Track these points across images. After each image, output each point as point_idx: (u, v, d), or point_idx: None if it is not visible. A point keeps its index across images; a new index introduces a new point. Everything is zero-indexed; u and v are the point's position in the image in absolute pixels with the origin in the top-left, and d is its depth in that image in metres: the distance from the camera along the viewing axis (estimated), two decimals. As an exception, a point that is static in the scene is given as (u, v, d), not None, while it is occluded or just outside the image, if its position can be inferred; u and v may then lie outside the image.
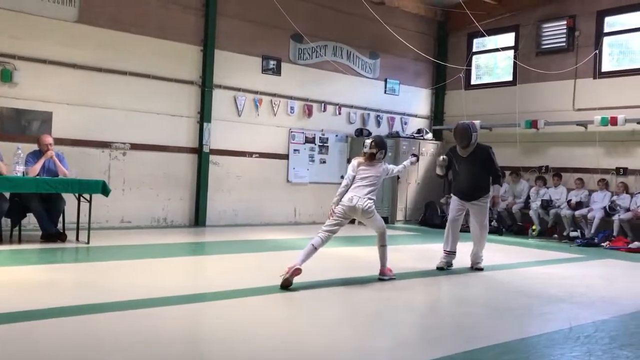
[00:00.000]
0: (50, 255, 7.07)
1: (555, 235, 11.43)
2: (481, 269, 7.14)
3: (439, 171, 7.36)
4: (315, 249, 5.74)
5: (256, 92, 11.59)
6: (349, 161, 13.27)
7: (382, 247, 6.20)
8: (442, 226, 12.49)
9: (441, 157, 7.31)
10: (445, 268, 7.04)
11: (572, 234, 10.97)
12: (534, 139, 12.66)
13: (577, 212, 11.11)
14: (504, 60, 13.86)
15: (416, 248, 9.02)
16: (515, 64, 13.02)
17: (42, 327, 4.03)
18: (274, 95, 11.85)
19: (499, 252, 9.39)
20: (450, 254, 7.15)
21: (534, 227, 11.72)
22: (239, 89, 11.37)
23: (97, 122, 9.74)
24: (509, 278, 6.87)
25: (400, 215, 13.36)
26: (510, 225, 12.29)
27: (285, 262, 7.02)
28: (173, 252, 7.87)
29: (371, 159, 6.09)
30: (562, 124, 12.04)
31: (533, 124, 12.34)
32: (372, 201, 5.98)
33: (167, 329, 4.19)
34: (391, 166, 6.39)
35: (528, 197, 12.18)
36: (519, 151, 12.69)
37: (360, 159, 6.15)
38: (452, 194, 7.33)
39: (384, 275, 6.20)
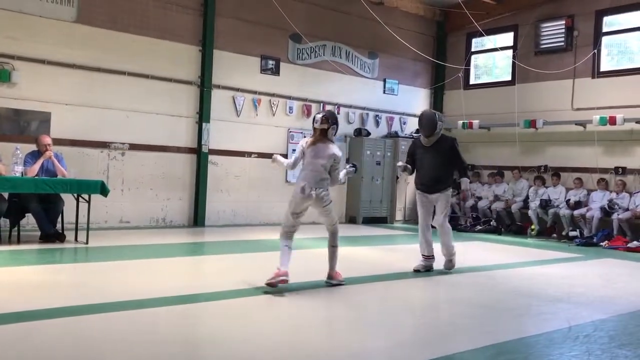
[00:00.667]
0: (49, 256, 7.06)
1: (554, 235, 11.43)
2: (450, 269, 6.91)
3: (400, 174, 7.11)
4: (290, 248, 5.54)
5: (255, 92, 11.59)
6: (347, 161, 13.26)
7: (333, 247, 5.79)
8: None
9: (399, 163, 7.10)
10: (422, 271, 6.80)
11: (571, 233, 10.98)
12: (533, 138, 12.66)
13: (576, 212, 11.11)
14: (502, 60, 13.86)
15: (415, 248, 8.95)
16: (514, 63, 13.03)
17: (41, 328, 4.03)
18: (272, 95, 11.85)
19: (498, 251, 9.40)
20: (429, 258, 6.90)
21: (532, 226, 11.73)
22: (237, 89, 11.37)
23: (96, 123, 9.74)
24: (508, 278, 6.87)
25: (399, 215, 13.37)
26: (509, 224, 12.30)
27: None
28: (172, 253, 7.87)
29: (323, 135, 5.62)
30: (560, 124, 12.05)
31: (532, 123, 12.35)
32: (326, 191, 5.58)
33: (166, 329, 4.19)
34: (340, 169, 5.82)
35: (527, 196, 12.18)
36: (517, 151, 12.70)
37: (310, 139, 5.68)
38: (416, 190, 7.05)
39: (332, 280, 5.76)
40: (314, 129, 5.69)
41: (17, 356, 3.45)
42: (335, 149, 5.64)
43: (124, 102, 10.00)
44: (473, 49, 14.15)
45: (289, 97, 12.11)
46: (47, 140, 8.01)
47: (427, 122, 6.83)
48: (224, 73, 11.11)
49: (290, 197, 5.58)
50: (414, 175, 7.09)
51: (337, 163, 5.64)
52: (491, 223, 12.16)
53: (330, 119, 5.64)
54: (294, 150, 12.18)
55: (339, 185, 7.29)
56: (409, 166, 7.00)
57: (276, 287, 5.30)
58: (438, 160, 6.76)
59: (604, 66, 11.99)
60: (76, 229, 8.03)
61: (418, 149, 6.98)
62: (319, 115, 5.70)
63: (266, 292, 5.30)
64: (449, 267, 6.97)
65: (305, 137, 7.41)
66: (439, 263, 6.98)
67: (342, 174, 5.83)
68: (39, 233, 7.80)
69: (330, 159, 5.56)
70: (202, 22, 10.82)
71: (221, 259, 7.58)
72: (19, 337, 3.80)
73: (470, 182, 13.22)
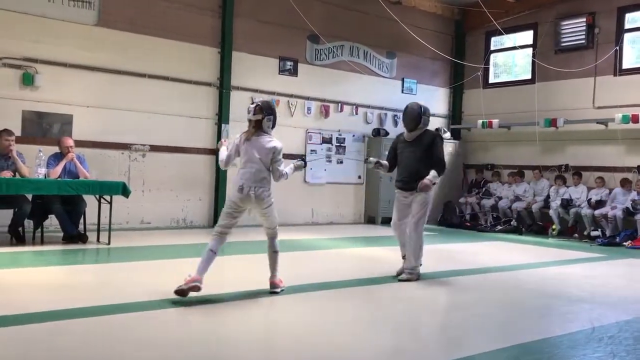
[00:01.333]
0: (72, 256, 7.15)
1: (576, 235, 11.31)
2: (406, 280, 6.15)
3: (369, 166, 6.53)
4: (214, 253, 5.05)
5: (273, 93, 11.62)
6: (366, 161, 13.26)
7: (274, 253, 5.33)
8: (460, 226, 12.56)
9: (370, 159, 6.59)
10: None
11: (593, 233, 10.84)
12: (554, 137, 12.53)
13: (598, 212, 10.98)
14: (522, 59, 13.74)
15: (435, 248, 8.94)
16: (534, 62, 12.91)
17: (64, 328, 4.08)
18: (290, 96, 11.88)
19: (519, 251, 9.32)
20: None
21: (553, 226, 11.61)
22: (256, 90, 11.41)
23: (117, 124, 9.84)
24: (529, 278, 6.81)
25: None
26: (530, 224, 12.18)
27: (302, 263, 7.04)
28: (193, 253, 7.86)
29: (257, 128, 5.14)
30: (582, 122, 11.90)
31: (552, 122, 12.22)
32: (267, 191, 5.13)
33: (188, 330, 4.22)
34: (281, 164, 5.26)
35: (548, 196, 12.06)
36: (538, 150, 12.58)
37: (245, 134, 5.22)
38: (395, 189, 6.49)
39: (275, 287, 5.31)
40: (248, 120, 5.19)
41: (42, 356, 3.50)
42: (273, 141, 5.16)
43: (144, 104, 10.09)
44: (492, 48, 14.05)
45: (307, 98, 12.13)
46: (69, 142, 8.12)
47: (410, 115, 6.33)
48: (243, 74, 11.16)
49: (227, 198, 5.18)
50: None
51: (278, 156, 5.15)
52: (512, 223, 12.07)
53: (265, 109, 5.13)
54: (312, 151, 12.31)
55: (294, 182, 6.82)
56: (383, 162, 6.49)
57: (186, 296, 4.81)
58: (417, 154, 6.25)
59: (627, 63, 11.82)
60: (98, 230, 8.12)
61: (400, 143, 6.51)
62: (252, 105, 5.19)
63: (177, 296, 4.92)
64: (408, 278, 6.20)
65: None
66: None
67: (288, 169, 5.33)
68: (62, 234, 7.91)
69: (269, 153, 5.10)
70: (221, 24, 10.88)
71: (241, 259, 7.61)
72: (43, 337, 3.85)
73: (490, 182, 13.24)
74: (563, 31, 12.53)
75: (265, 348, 3.82)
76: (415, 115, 6.30)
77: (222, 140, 5.54)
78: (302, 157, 5.70)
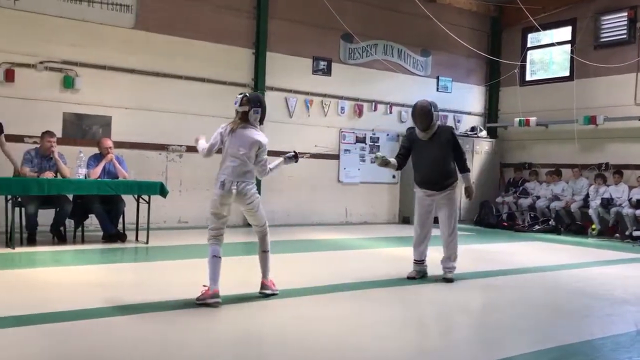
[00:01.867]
0: (111, 255, 7.29)
1: (617, 235, 11.02)
2: (450, 280, 6.10)
3: (376, 163, 6.17)
4: (219, 258, 4.88)
5: (307, 93, 11.65)
6: (375, 157, 13.13)
7: (264, 252, 5.10)
8: (497, 226, 12.37)
9: (378, 154, 6.13)
10: (417, 277, 6.21)
11: (635, 233, 10.55)
12: (593, 135, 12.24)
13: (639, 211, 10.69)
14: (560, 55, 13.47)
15: (472, 248, 8.85)
16: (572, 58, 12.64)
17: (103, 325, 4.16)
18: (324, 95, 11.89)
19: (558, 252, 9.15)
20: (420, 263, 6.28)
21: (593, 226, 11.35)
22: (290, 91, 11.46)
23: (154, 126, 10.00)
24: (569, 279, 6.67)
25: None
26: (569, 224, 11.94)
27: (335, 262, 7.03)
28: (228, 252, 7.94)
29: (243, 120, 4.93)
30: (622, 120, 11.61)
31: (592, 119, 11.95)
32: (251, 184, 4.90)
33: (224, 328, 4.26)
34: (265, 158, 4.98)
35: (587, 195, 11.80)
36: (577, 148, 12.31)
37: (230, 125, 4.97)
38: (415, 188, 6.34)
39: (266, 289, 5.07)
40: (235, 111, 4.99)
41: (81, 352, 3.58)
42: (258, 135, 4.93)
43: (180, 105, 10.23)
44: (529, 45, 13.81)
45: (341, 97, 12.12)
46: (109, 143, 8.28)
47: (421, 113, 6.05)
48: (277, 75, 11.21)
49: (212, 197, 4.91)
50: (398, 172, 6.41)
51: (263, 152, 4.93)
52: (550, 223, 11.85)
53: (253, 101, 4.92)
54: (346, 150, 12.30)
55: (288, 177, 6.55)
56: (391, 160, 6.17)
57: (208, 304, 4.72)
58: (440, 153, 6.08)
59: (670, 58, 11.50)
60: (137, 229, 8.26)
61: (415, 143, 6.22)
62: (239, 96, 4.99)
63: (265, 296, 5.09)
64: (452, 277, 6.19)
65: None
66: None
67: (274, 164, 5.11)
68: (101, 233, 8.07)
69: (253, 146, 4.86)
70: (255, 24, 10.96)
71: (275, 258, 7.63)
72: (82, 334, 3.94)
73: (528, 181, 13.02)
74: (603, 26, 12.25)
75: (295, 347, 3.82)
76: (427, 113, 6.05)
77: (199, 136, 5.26)
78: (294, 150, 5.43)
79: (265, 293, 5.07)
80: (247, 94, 5.05)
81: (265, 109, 5.06)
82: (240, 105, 4.93)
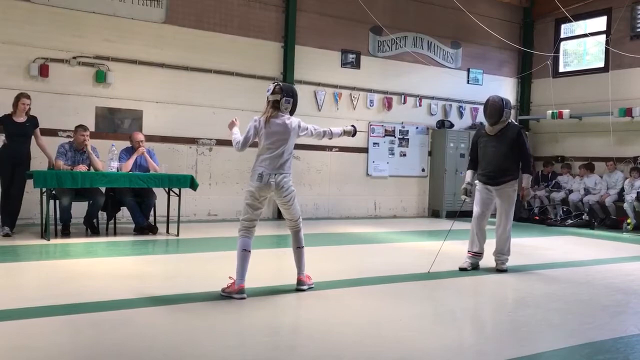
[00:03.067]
0: (143, 247, 7.40)
1: (653, 230, 10.78)
2: (504, 271, 6.33)
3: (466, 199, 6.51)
4: (249, 252, 4.87)
5: (336, 87, 11.63)
6: (430, 154, 13.14)
7: (299, 249, 5.09)
8: (527, 220, 12.20)
9: (462, 196, 6.43)
10: (469, 269, 6.34)
11: (672, 228, 10.30)
12: (629, 127, 11.97)
13: (678, 205, 10.42)
14: (594, 46, 13.18)
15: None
16: (607, 49, 12.35)
17: (134, 315, 4.23)
18: (353, 89, 11.85)
19: (592, 246, 8.98)
20: (476, 255, 6.41)
21: (628, 220, 11.09)
22: (318, 84, 11.45)
23: (184, 119, 10.11)
24: (603, 274, 6.54)
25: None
26: (603, 218, 11.70)
27: (364, 256, 7.02)
28: (258, 245, 8.00)
29: (275, 108, 4.88)
30: (660, 112, 11.33)
31: (627, 112, 11.68)
32: (289, 176, 4.88)
33: (255, 319, 4.28)
34: (310, 125, 5.05)
35: (622, 189, 11.54)
36: (612, 141, 12.04)
37: (263, 116, 4.91)
38: (476, 181, 6.48)
39: (303, 284, 5.07)
40: (267, 100, 4.95)
41: (113, 342, 3.64)
42: (290, 120, 4.90)
43: (210, 99, 10.32)
44: (562, 35, 13.53)
45: (370, 91, 12.07)
46: (140, 137, 8.39)
47: (492, 108, 6.29)
48: (306, 68, 11.21)
49: (248, 187, 4.92)
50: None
51: (303, 128, 4.96)
52: (583, 217, 11.63)
53: (285, 90, 4.90)
54: (375, 143, 12.24)
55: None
56: (473, 184, 6.44)
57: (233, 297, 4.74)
58: (502, 149, 6.25)
59: None
60: (167, 222, 8.37)
61: (481, 137, 6.49)
62: (272, 85, 4.97)
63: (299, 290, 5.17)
64: (505, 268, 6.39)
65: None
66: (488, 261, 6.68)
67: (336, 130, 5.22)
68: (133, 225, 8.20)
69: (293, 134, 4.88)
70: (284, 18, 10.98)
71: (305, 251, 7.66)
72: (115, 324, 4.00)
73: (560, 175, 12.78)
74: None
75: (325, 339, 3.83)
76: (498, 108, 6.26)
77: (234, 119, 5.21)
78: (353, 125, 5.46)
79: (302, 288, 5.08)
80: (280, 83, 5.05)
81: (297, 100, 5.04)
82: (273, 93, 4.91)
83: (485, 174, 6.39)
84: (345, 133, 5.32)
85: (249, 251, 4.87)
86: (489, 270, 6.39)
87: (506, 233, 6.41)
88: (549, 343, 3.95)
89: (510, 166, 6.29)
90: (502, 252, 6.43)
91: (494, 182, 6.31)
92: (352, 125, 5.41)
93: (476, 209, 6.47)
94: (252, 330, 3.99)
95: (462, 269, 6.34)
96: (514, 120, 6.63)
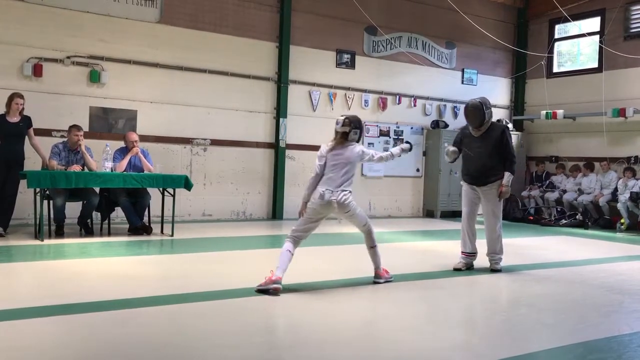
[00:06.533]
0: (137, 248, 7.38)
1: (647, 229, 10.83)
2: (498, 270, 6.34)
3: (448, 159, 6.58)
4: (292, 254, 5.10)
5: (330, 87, 11.63)
6: (424, 154, 13.16)
7: (372, 248, 5.46)
8: (521, 220, 12.23)
9: (450, 148, 6.47)
10: (463, 269, 6.35)
11: (665, 227, 10.35)
12: (622, 128, 12.02)
13: (671, 205, 10.47)
14: (588, 46, 13.23)
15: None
16: (601, 49, 12.40)
17: (128, 316, 4.22)
18: (348, 89, 11.86)
19: (585, 246, 9.01)
20: (470, 255, 6.43)
21: (622, 220, 11.14)
22: (313, 84, 11.45)
23: (179, 119, 10.09)
24: (596, 274, 6.57)
25: (479, 209, 13.06)
26: (597, 218, 11.75)
27: (359, 256, 7.04)
28: (253, 245, 8.05)
29: (343, 139, 5.21)
30: (653, 112, 11.38)
31: (621, 112, 11.72)
32: (348, 193, 5.17)
33: (250, 319, 4.28)
34: (371, 150, 5.47)
35: (616, 189, 11.59)
36: (606, 141, 12.09)
37: (330, 143, 5.25)
38: (462, 181, 6.56)
39: (380, 278, 5.49)
40: (335, 131, 5.28)
41: (107, 342, 3.63)
42: (357, 146, 5.27)
43: (204, 99, 10.30)
44: (556, 36, 13.58)
45: (364, 91, 12.08)
46: (134, 137, 8.37)
47: (473, 113, 6.25)
48: (300, 68, 11.21)
49: (309, 204, 5.19)
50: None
51: (365, 153, 5.29)
52: (577, 217, 11.67)
53: (353, 122, 5.22)
54: (370, 144, 12.24)
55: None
56: (454, 149, 6.45)
57: (270, 293, 4.88)
58: (487, 149, 6.23)
59: (702, 49, 11.21)
60: (162, 222, 8.36)
61: (466, 137, 6.45)
62: (341, 118, 5.29)
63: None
64: (500, 267, 6.39)
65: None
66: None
67: (396, 149, 5.55)
68: (127, 226, 8.18)
69: (355, 159, 5.22)
70: (279, 18, 10.97)
71: (299, 251, 7.66)
72: (109, 324, 3.99)
73: (554, 175, 12.83)
74: (633, 16, 12.01)
75: (322, 339, 3.83)
76: (479, 112, 6.23)
77: (302, 211, 5.30)
78: (407, 141, 5.81)
79: (379, 282, 5.48)
80: (348, 117, 5.30)
81: (363, 131, 5.39)
82: (342, 126, 5.21)
83: (470, 175, 6.41)
84: (403, 151, 5.61)
85: (292, 253, 5.13)
86: (483, 271, 6.41)
87: (496, 232, 6.39)
88: (543, 343, 3.96)
89: (495, 166, 6.26)
90: (494, 252, 6.43)
91: (480, 182, 6.31)
92: (407, 142, 5.69)
93: (465, 210, 6.50)
94: (248, 331, 3.98)
95: (456, 269, 6.35)
96: (495, 120, 6.62)
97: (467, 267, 6.43)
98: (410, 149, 5.72)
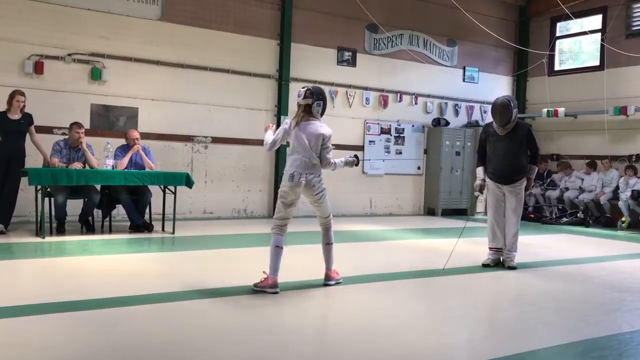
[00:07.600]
0: (138, 245, 7.39)
1: (648, 228, 10.82)
2: (514, 268, 6.40)
3: (477, 194, 6.67)
4: (281, 248, 5.04)
5: (331, 84, 11.62)
6: (425, 152, 13.16)
7: (328, 245, 5.27)
8: (524, 218, 12.13)
9: (478, 182, 6.59)
10: (492, 265, 6.49)
11: (667, 226, 10.34)
12: (623, 126, 12.00)
13: (672, 203, 10.46)
14: (589, 44, 13.21)
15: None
16: (602, 47, 12.38)
17: (130, 313, 4.23)
18: (349, 86, 11.85)
19: (586, 244, 9.01)
20: (498, 251, 6.56)
21: (623, 218, 11.14)
22: (314, 82, 11.40)
23: (180, 117, 10.09)
24: (597, 272, 6.57)
25: (480, 207, 13.06)
26: (598, 217, 11.74)
27: (360, 254, 7.02)
28: (253, 242, 8.03)
29: (306, 113, 5.04)
30: (654, 110, 11.36)
31: (622, 110, 11.70)
32: (318, 177, 5.05)
33: (252, 317, 4.28)
34: (330, 148, 5.16)
35: (617, 187, 11.58)
36: (607, 139, 12.08)
37: (294, 119, 5.09)
38: (487, 180, 6.60)
39: (330, 280, 5.26)
40: (298, 105, 5.11)
41: (109, 339, 3.64)
42: (323, 127, 5.08)
43: (206, 96, 10.30)
44: (558, 34, 13.56)
45: (366, 88, 12.07)
46: (135, 134, 8.37)
47: (501, 111, 6.31)
48: (301, 66, 11.20)
49: (280, 188, 5.11)
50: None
51: (327, 142, 5.09)
52: (578, 215, 11.66)
53: (315, 94, 5.03)
54: (370, 141, 12.24)
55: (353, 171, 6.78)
56: (482, 176, 6.60)
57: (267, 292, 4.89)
58: (513, 148, 6.34)
59: None
60: (163, 220, 8.36)
61: (491, 136, 6.54)
62: (303, 89, 5.09)
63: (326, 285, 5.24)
64: (513, 266, 6.46)
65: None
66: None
67: (339, 160, 5.24)
68: (128, 223, 8.18)
69: (318, 138, 5.01)
70: (280, 15, 10.96)
71: (299, 249, 7.66)
72: (110, 322, 4.00)
73: (556, 173, 12.81)
74: (635, 14, 11.98)
75: (323, 337, 3.83)
76: (507, 111, 6.29)
77: (269, 124, 5.43)
78: (355, 154, 5.57)
79: (330, 284, 5.26)
80: (310, 87, 5.14)
81: (327, 102, 5.22)
82: (304, 98, 5.06)
83: (496, 173, 6.49)
84: (346, 164, 5.35)
85: (282, 248, 5.04)
86: (483, 268, 6.41)
87: (515, 230, 6.48)
88: (544, 340, 3.96)
89: (521, 164, 6.38)
90: (511, 249, 6.51)
91: (505, 180, 6.42)
92: (355, 156, 5.46)
93: (491, 209, 6.61)
94: (250, 329, 3.99)
95: (485, 265, 6.47)
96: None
97: (496, 264, 6.53)
98: (357, 164, 5.43)
